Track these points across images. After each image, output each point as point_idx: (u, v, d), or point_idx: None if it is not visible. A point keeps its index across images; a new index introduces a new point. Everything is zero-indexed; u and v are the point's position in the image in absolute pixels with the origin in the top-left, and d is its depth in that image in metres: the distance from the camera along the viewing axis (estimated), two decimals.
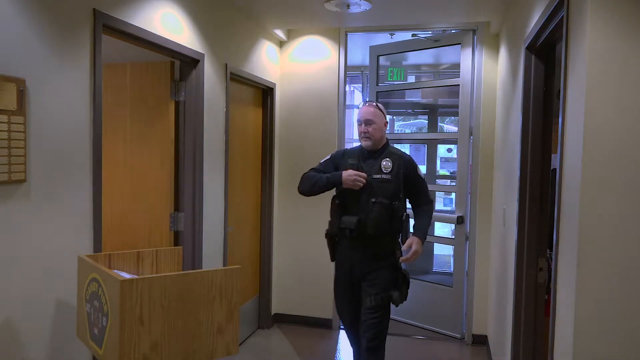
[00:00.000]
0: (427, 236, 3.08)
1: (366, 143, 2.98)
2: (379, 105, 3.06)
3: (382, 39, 5.22)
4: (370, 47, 5.00)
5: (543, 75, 2.71)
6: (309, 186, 3.05)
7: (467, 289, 4.46)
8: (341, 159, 3.08)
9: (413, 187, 3.01)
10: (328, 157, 3.16)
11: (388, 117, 3.31)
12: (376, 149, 3.00)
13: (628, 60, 1.61)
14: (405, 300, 2.97)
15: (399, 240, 3.02)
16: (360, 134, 3.00)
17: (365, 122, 2.97)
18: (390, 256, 2.96)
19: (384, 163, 2.96)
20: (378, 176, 2.94)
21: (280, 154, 4.69)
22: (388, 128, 3.24)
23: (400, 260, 2.93)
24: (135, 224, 3.30)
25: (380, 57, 5.01)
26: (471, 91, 4.37)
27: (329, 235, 3.10)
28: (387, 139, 3.08)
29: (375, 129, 2.96)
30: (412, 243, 2.89)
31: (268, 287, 4.62)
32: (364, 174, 2.91)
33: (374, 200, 2.89)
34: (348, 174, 2.91)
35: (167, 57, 3.15)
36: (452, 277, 4.64)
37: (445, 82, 5.07)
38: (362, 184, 2.88)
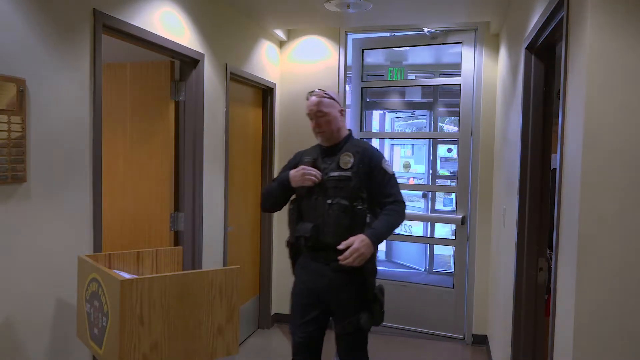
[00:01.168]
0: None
1: (322, 138, 2.61)
2: (329, 92, 2.64)
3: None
4: (353, 39, 4.75)
5: (543, 75, 2.71)
6: (264, 200, 2.73)
7: (467, 290, 4.47)
8: (298, 160, 2.70)
9: (375, 183, 2.53)
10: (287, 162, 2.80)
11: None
12: (335, 144, 2.61)
13: (628, 60, 1.61)
14: (382, 321, 2.56)
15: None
16: (313, 130, 2.62)
17: (315, 115, 2.58)
18: (358, 270, 2.44)
19: (344, 158, 2.54)
20: (336, 174, 2.52)
21: (280, 154, 4.69)
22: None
23: (340, 262, 2.38)
24: (135, 224, 3.30)
25: (380, 57, 5.00)
26: (472, 90, 4.38)
27: (289, 244, 2.70)
28: (349, 130, 2.70)
29: (328, 121, 2.57)
30: (353, 240, 2.36)
31: (268, 287, 4.62)
32: (314, 169, 2.54)
33: (329, 202, 2.48)
34: (295, 170, 2.56)
35: (167, 57, 3.15)
36: (453, 278, 4.64)
37: (445, 81, 5.04)
38: (314, 180, 2.51)
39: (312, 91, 2.64)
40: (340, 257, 2.35)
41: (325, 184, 2.52)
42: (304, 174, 2.53)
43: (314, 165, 2.59)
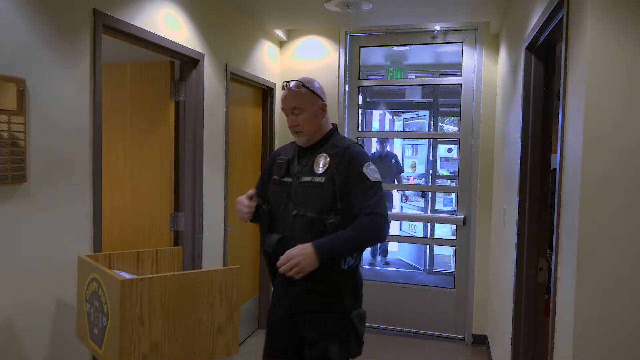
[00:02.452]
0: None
1: (299, 139, 2.21)
2: (307, 84, 2.20)
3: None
4: (350, 37, 4.66)
5: (543, 75, 2.71)
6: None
7: (468, 290, 4.47)
8: (274, 158, 2.34)
9: (353, 192, 2.07)
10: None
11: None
12: (315, 142, 2.22)
13: (628, 60, 1.61)
14: (357, 354, 2.17)
15: (350, 269, 2.13)
16: (289, 128, 2.22)
17: (291, 111, 2.18)
18: (334, 292, 2.11)
19: (319, 160, 2.14)
20: (308, 179, 2.12)
21: None
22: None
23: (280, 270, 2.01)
24: (135, 224, 3.30)
25: (380, 57, 5.00)
26: (473, 90, 4.38)
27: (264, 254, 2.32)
28: (333, 124, 2.29)
29: (306, 118, 2.16)
30: (293, 249, 2.00)
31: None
32: (246, 203, 2.17)
33: (294, 213, 2.10)
34: (236, 201, 2.22)
35: (167, 57, 3.15)
36: (454, 279, 4.64)
37: (446, 80, 5.03)
38: (246, 215, 2.17)
39: (288, 82, 2.20)
40: (277, 264, 2.01)
41: (296, 191, 2.14)
42: (238, 211, 2.20)
43: (287, 167, 2.23)
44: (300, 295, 2.13)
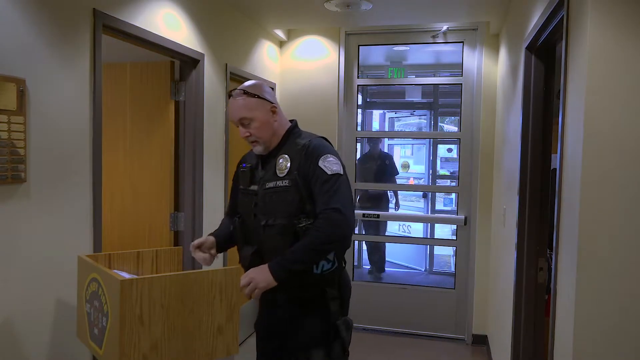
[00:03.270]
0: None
1: (256, 149, 2.09)
2: (251, 90, 2.03)
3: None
4: (348, 35, 4.63)
5: (543, 75, 2.71)
6: None
7: (468, 290, 4.47)
8: (239, 166, 2.23)
9: (315, 189, 1.95)
10: None
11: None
12: (275, 147, 2.09)
13: (628, 60, 1.61)
14: None
15: (334, 274, 2.03)
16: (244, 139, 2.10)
17: (240, 122, 2.05)
18: (317, 300, 2.02)
19: (280, 163, 2.02)
20: (272, 184, 2.00)
21: None
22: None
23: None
24: (135, 224, 3.30)
25: (380, 57, 4.99)
26: (473, 90, 4.37)
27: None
28: (291, 122, 2.15)
29: (257, 127, 2.02)
30: (250, 271, 1.93)
31: None
32: (199, 253, 2.12)
33: (263, 223, 2.00)
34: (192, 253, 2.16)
35: (167, 57, 3.15)
36: (454, 279, 4.63)
37: (446, 80, 5.03)
38: (210, 261, 2.12)
39: (231, 91, 2.06)
40: (240, 285, 1.90)
41: (262, 199, 2.02)
42: (198, 260, 2.12)
43: (251, 174, 2.11)
44: (283, 302, 2.07)
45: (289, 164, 1.99)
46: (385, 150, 7.27)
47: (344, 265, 2.13)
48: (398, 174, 6.43)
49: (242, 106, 2.01)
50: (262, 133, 2.03)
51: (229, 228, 2.22)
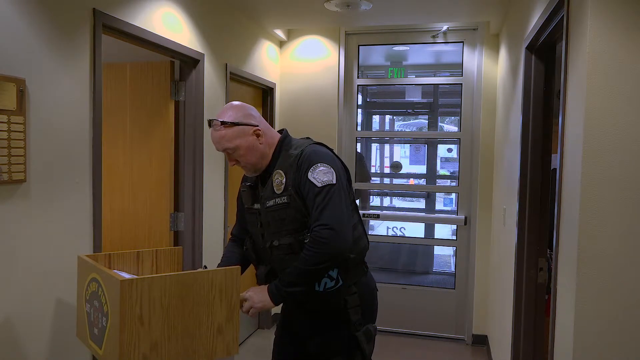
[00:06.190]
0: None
1: (247, 173, 2.06)
2: (229, 118, 1.94)
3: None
4: (348, 35, 4.62)
5: (543, 75, 2.71)
6: None
7: (469, 290, 4.47)
8: (241, 186, 2.18)
9: (305, 201, 1.88)
10: None
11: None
12: (267, 166, 2.02)
13: (628, 59, 1.61)
14: None
15: (352, 284, 1.99)
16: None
17: (224, 152, 1.99)
18: (340, 312, 1.98)
19: (276, 179, 1.96)
20: (272, 202, 1.94)
21: None
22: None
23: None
24: (135, 224, 3.30)
25: (380, 57, 4.99)
26: (473, 89, 4.38)
27: None
28: (281, 131, 2.08)
29: (242, 154, 1.95)
30: (248, 292, 1.95)
31: None
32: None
33: (268, 244, 1.97)
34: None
35: (167, 57, 3.15)
36: (454, 279, 4.63)
37: (446, 80, 5.03)
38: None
39: (210, 121, 1.97)
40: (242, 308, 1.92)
41: (266, 218, 1.98)
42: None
43: (253, 193, 2.07)
44: (310, 318, 2.06)
45: (284, 180, 1.92)
46: (372, 149, 6.93)
47: (365, 269, 2.08)
48: (370, 179, 6.18)
49: (222, 138, 1.94)
50: (249, 158, 1.97)
51: (235, 254, 2.18)
